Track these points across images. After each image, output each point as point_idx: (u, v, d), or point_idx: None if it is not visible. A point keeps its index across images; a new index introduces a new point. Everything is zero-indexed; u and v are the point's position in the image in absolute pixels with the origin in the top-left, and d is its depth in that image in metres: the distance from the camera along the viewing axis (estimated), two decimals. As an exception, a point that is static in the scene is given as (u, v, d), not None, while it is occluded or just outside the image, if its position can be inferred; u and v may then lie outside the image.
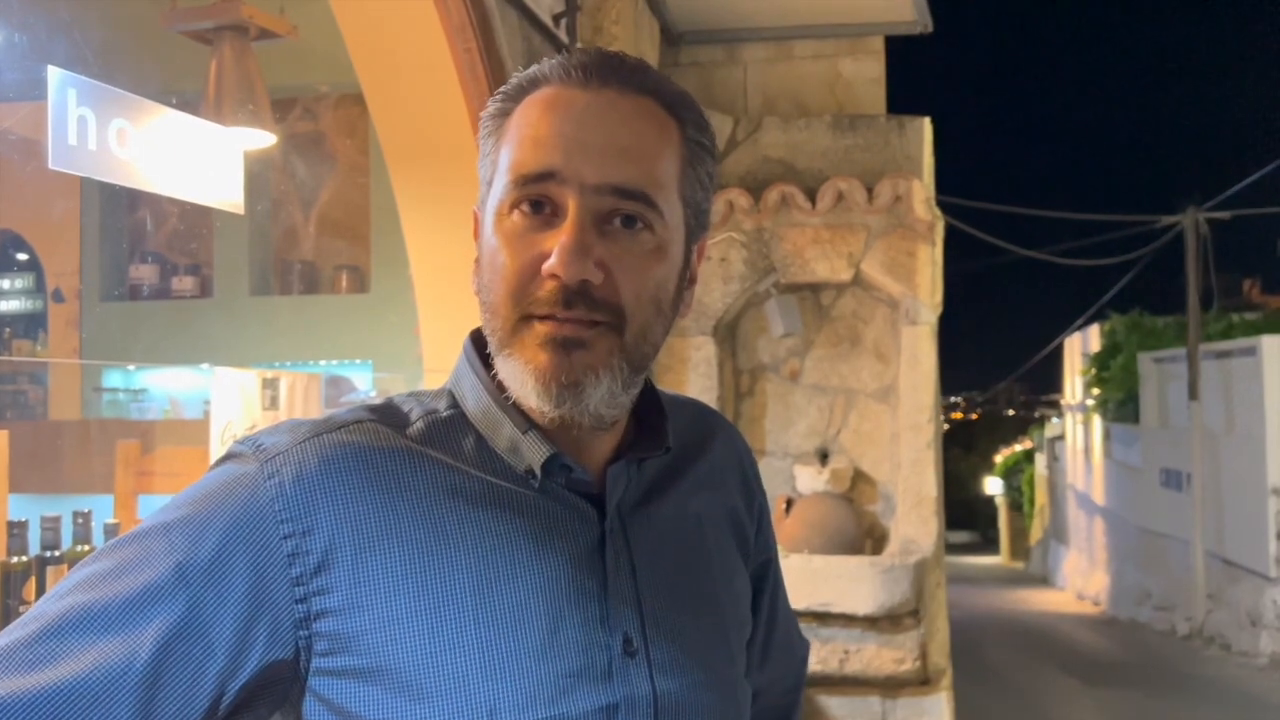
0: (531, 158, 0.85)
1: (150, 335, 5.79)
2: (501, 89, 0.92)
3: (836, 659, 3.94)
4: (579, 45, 3.69)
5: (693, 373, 4.26)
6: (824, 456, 4.40)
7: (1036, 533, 25.10)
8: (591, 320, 0.84)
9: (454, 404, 0.92)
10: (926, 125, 4.43)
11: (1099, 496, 17.56)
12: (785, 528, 4.24)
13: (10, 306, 6.55)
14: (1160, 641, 12.52)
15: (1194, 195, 14.82)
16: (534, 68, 0.91)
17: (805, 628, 3.93)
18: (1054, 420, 24.53)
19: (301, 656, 0.82)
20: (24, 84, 2.63)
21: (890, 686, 4.00)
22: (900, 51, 5.00)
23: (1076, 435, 19.96)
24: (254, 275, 5.90)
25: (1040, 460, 25.39)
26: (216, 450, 2.64)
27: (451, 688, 0.81)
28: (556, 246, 0.83)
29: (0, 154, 4.15)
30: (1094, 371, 16.87)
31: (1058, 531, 21.96)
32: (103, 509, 2.94)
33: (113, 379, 5.82)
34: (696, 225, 0.94)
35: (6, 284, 6.59)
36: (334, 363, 5.52)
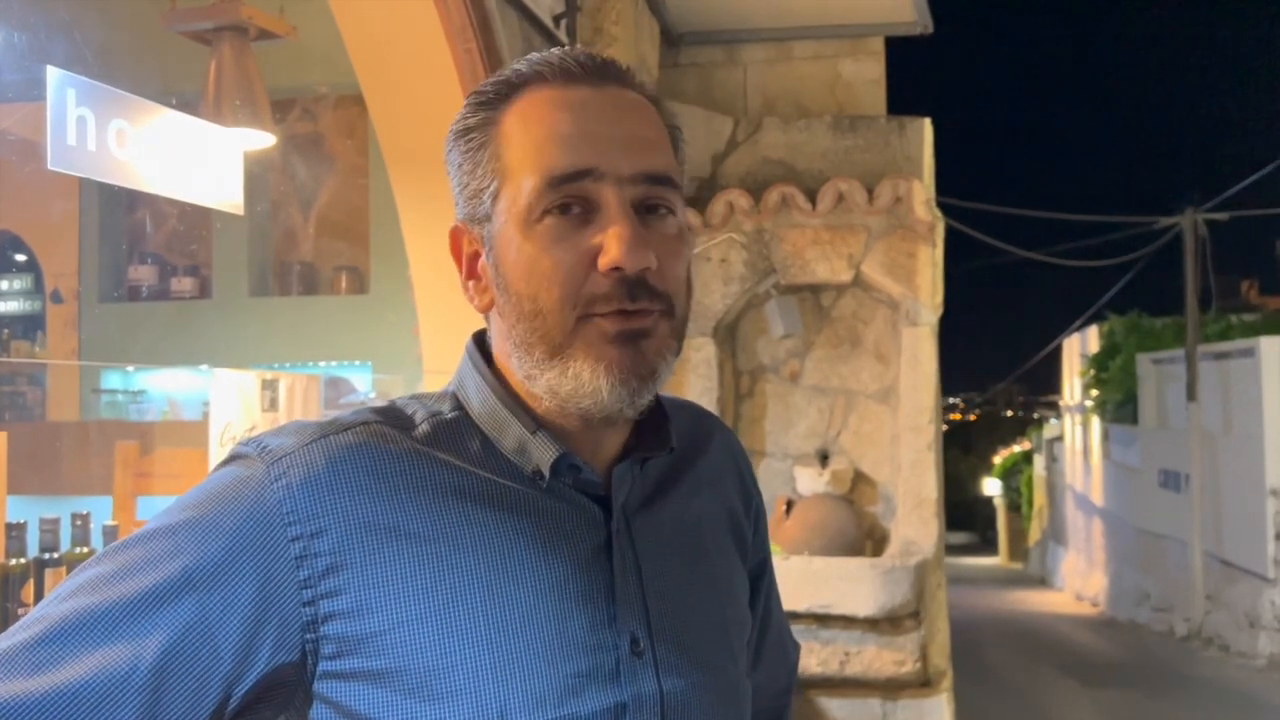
0: (563, 157, 0.85)
1: (149, 336, 5.78)
2: (474, 99, 0.91)
3: (837, 661, 3.94)
4: (578, 46, 3.69)
5: (692, 374, 4.25)
6: (824, 458, 4.39)
7: (1035, 534, 25.10)
8: (653, 309, 0.85)
9: (458, 406, 0.92)
10: (927, 126, 4.43)
11: (1097, 497, 17.56)
12: (786, 529, 4.23)
13: (9, 308, 6.54)
14: (1159, 642, 12.51)
15: (1192, 196, 14.80)
16: (511, 71, 0.90)
17: (806, 629, 3.94)
18: (1052, 421, 24.54)
19: (308, 660, 0.82)
20: (22, 85, 2.62)
21: (891, 688, 3.99)
22: (900, 52, 5.00)
23: (1075, 436, 19.96)
24: (253, 276, 5.89)
25: (1039, 461, 25.40)
26: (216, 451, 2.64)
27: (462, 689, 0.81)
28: (612, 239, 0.83)
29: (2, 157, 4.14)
30: (1093, 372, 16.88)
31: (1056, 532, 21.97)
32: (102, 511, 2.93)
33: (111, 380, 5.81)
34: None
35: (5, 285, 6.57)
36: (333, 364, 5.51)
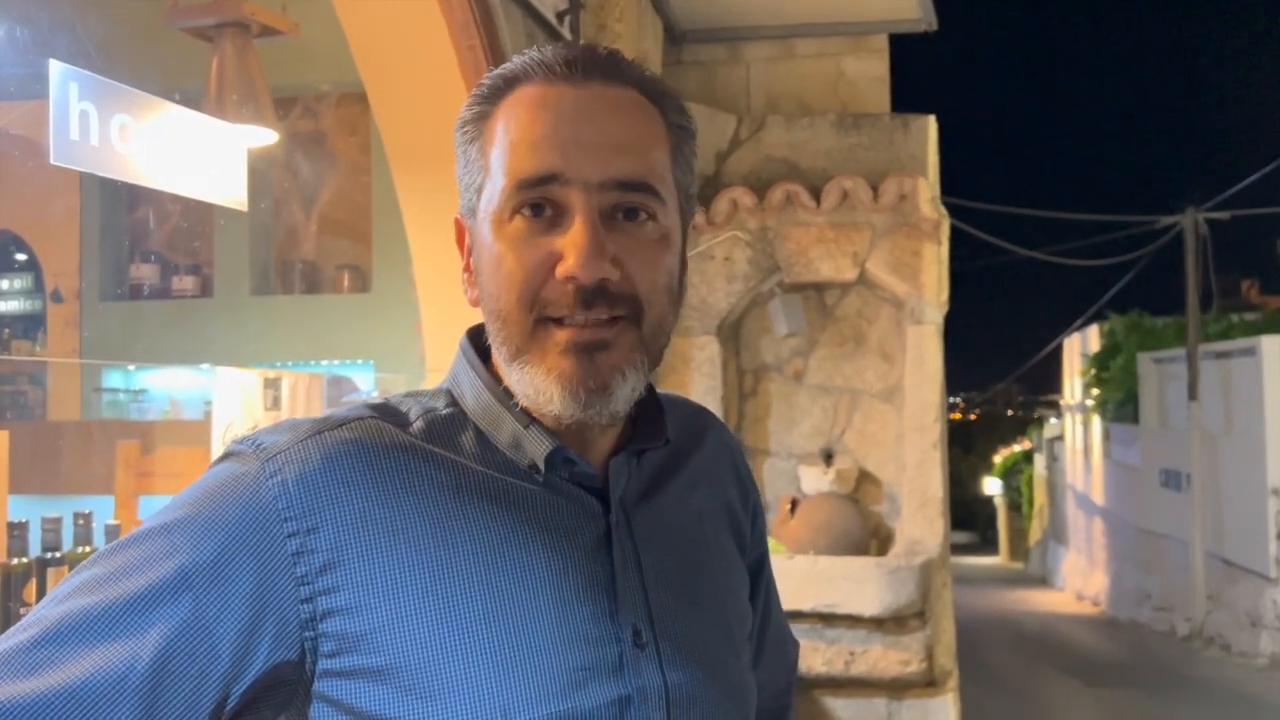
0: (530, 161, 0.84)
1: (151, 335, 5.77)
2: (476, 92, 0.90)
3: (842, 660, 3.92)
4: (582, 42, 3.67)
5: (696, 373, 4.24)
6: (828, 457, 4.38)
7: (1036, 533, 25.10)
8: (612, 317, 0.84)
9: (452, 402, 0.92)
10: (931, 124, 4.41)
11: (1098, 497, 17.56)
12: (790, 529, 4.22)
13: (9, 307, 6.53)
14: (1160, 642, 12.51)
15: (1193, 195, 14.82)
16: (507, 65, 0.89)
17: (811, 629, 3.92)
18: (1053, 420, 24.54)
19: (307, 658, 0.81)
20: (23, 82, 2.61)
21: (896, 688, 3.98)
22: (904, 50, 4.99)
23: (1076, 435, 19.97)
24: (255, 275, 5.88)
25: (1039, 460, 25.41)
26: (218, 451, 2.62)
27: (463, 685, 0.80)
28: (570, 248, 0.82)
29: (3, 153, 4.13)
30: (1093, 372, 16.88)
31: (1057, 532, 21.97)
32: (103, 510, 2.92)
33: (113, 379, 5.80)
34: (687, 210, 0.94)
35: (5, 284, 6.57)
36: (336, 362, 5.51)
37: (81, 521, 2.55)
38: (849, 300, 4.40)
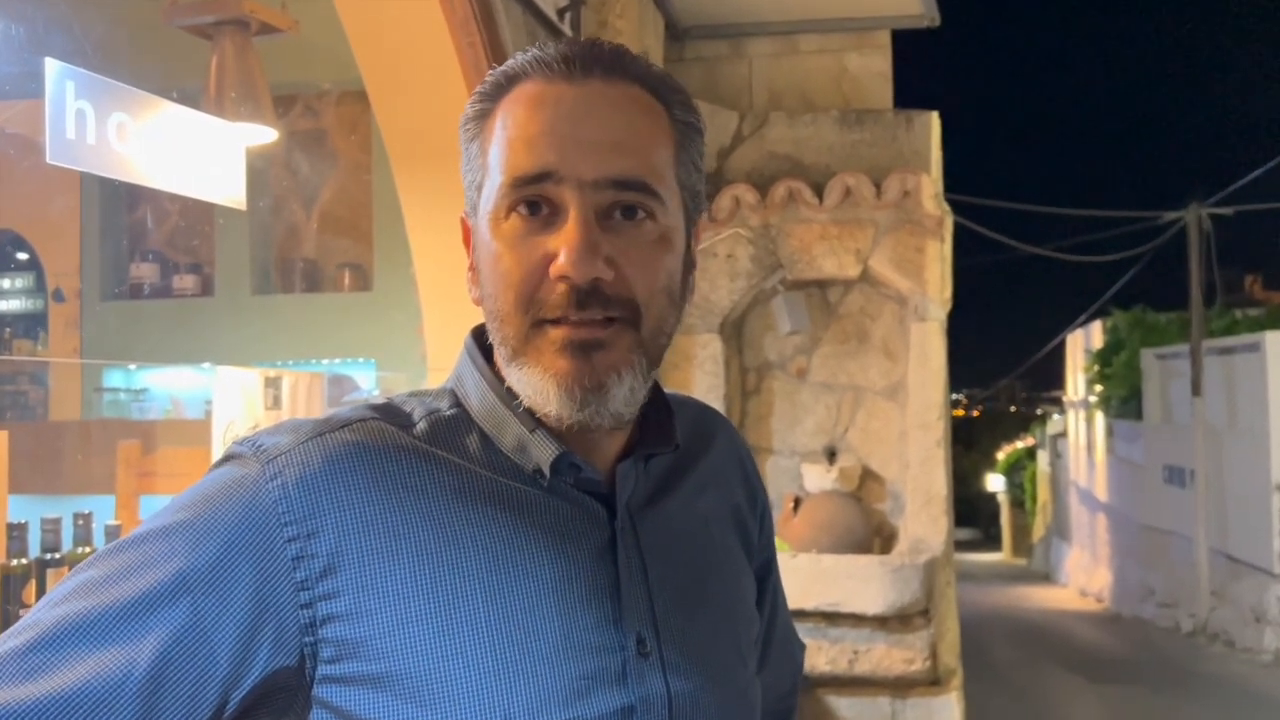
0: (525, 159, 0.84)
1: (151, 334, 5.77)
2: (478, 89, 0.90)
3: (846, 659, 3.91)
4: (587, 39, 3.66)
5: (698, 370, 4.22)
6: (832, 455, 4.36)
7: (1039, 530, 25.10)
8: (607, 318, 0.83)
9: (456, 403, 0.91)
10: (934, 120, 4.39)
11: (1102, 493, 17.55)
12: (793, 527, 4.21)
13: (11, 306, 6.52)
14: (1164, 638, 12.50)
15: (1197, 191, 14.78)
16: (509, 63, 0.88)
17: (815, 627, 3.91)
18: (1056, 417, 24.51)
19: (307, 664, 0.80)
20: (22, 80, 2.60)
21: (900, 687, 3.96)
22: (907, 46, 4.97)
23: (1079, 432, 19.95)
24: (256, 273, 5.88)
25: (1043, 457, 25.40)
26: (219, 451, 2.61)
27: (464, 693, 0.79)
28: (563, 247, 0.81)
29: (0, 152, 4.12)
30: (1097, 368, 16.86)
31: (1060, 528, 21.96)
32: (104, 510, 2.91)
33: (114, 379, 5.80)
34: (693, 208, 0.92)
35: (7, 283, 6.56)
36: (337, 361, 5.50)
37: (81, 522, 2.55)
38: (852, 297, 4.39)
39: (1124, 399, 15.87)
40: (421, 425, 0.87)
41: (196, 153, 2.19)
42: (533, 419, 0.86)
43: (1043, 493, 24.77)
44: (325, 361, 5.45)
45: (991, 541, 31.85)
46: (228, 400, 3.24)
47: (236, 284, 5.88)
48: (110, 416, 5.54)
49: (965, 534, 33.83)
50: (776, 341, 4.44)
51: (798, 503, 4.27)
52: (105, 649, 0.74)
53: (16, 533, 2.38)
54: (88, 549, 2.35)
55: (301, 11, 3.34)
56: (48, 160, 1.75)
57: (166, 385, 5.70)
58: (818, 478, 4.27)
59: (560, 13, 3.55)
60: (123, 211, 6.14)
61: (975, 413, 40.92)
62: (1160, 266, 15.95)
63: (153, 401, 5.60)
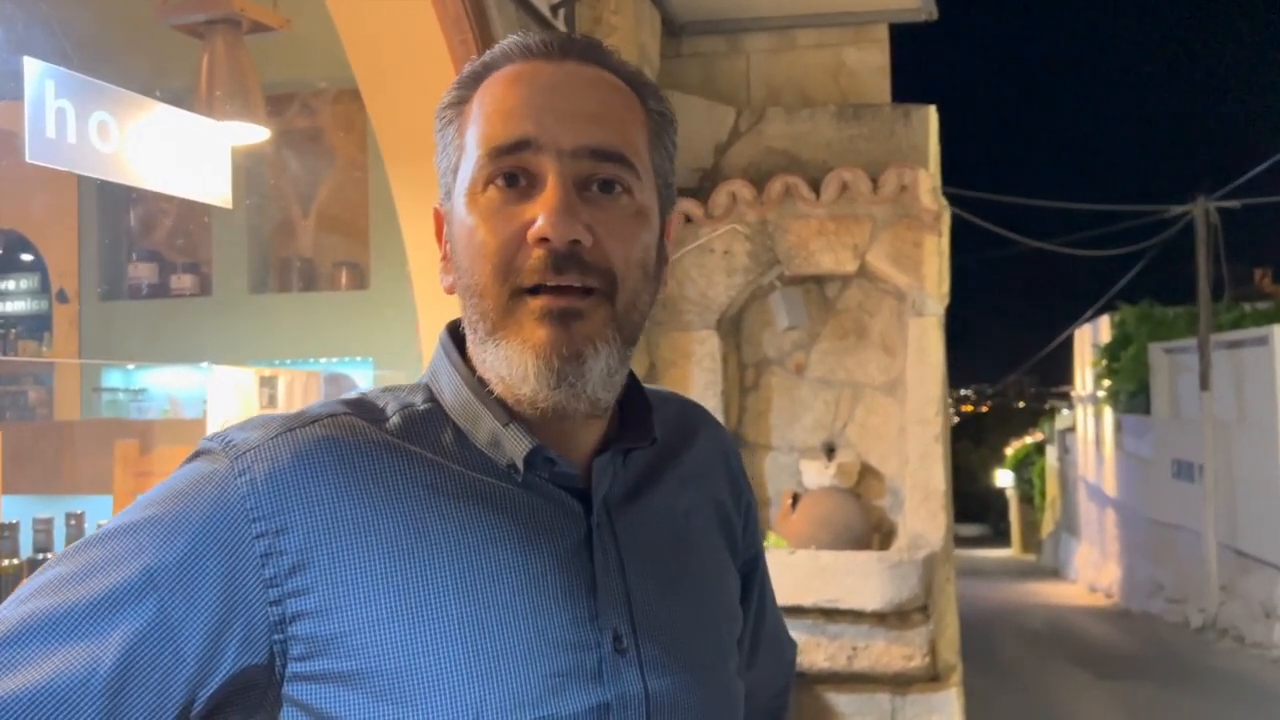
0: (503, 129, 0.84)
1: (149, 334, 5.78)
2: (457, 82, 0.90)
3: (845, 655, 3.90)
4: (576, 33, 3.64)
5: (696, 367, 4.21)
6: (830, 451, 4.34)
7: (1048, 525, 25.02)
8: (585, 287, 0.82)
9: (431, 397, 0.90)
10: (932, 114, 4.37)
11: (1110, 488, 17.48)
12: (792, 523, 4.19)
13: (15, 307, 6.54)
14: (1173, 634, 12.44)
15: (1203, 184, 14.69)
16: (486, 54, 0.89)
17: (813, 624, 3.90)
18: (1064, 412, 24.42)
19: (276, 661, 0.79)
20: (10, 79, 2.60)
21: (899, 683, 3.95)
22: (905, 40, 4.94)
23: (1087, 427, 19.88)
24: (253, 272, 5.89)
25: (1051, 452, 25.31)
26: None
27: (435, 690, 0.78)
28: (542, 211, 0.81)
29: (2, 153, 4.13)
30: (1104, 363, 16.79)
31: (1069, 524, 21.89)
32: (102, 510, 2.92)
33: (112, 379, 5.82)
34: (666, 198, 0.92)
35: (11, 284, 6.58)
36: (334, 360, 5.51)
37: (74, 522, 2.55)
38: (850, 293, 4.37)
39: (1132, 394, 15.80)
40: (395, 419, 0.87)
41: (181, 151, 2.18)
42: (507, 413, 0.85)
43: (1051, 488, 24.69)
44: (323, 360, 5.46)
45: (1000, 537, 31.76)
46: (222, 399, 3.24)
47: (234, 283, 5.89)
48: (109, 416, 5.56)
49: (974, 530, 33.77)
50: (774, 337, 4.42)
51: (796, 499, 4.25)
52: (70, 647, 0.74)
53: (8, 533, 2.39)
54: (78, 549, 2.35)
55: (296, 10, 3.34)
56: (27, 159, 1.75)
57: (165, 385, 5.71)
58: (816, 474, 4.26)
59: (554, 9, 3.53)
60: (121, 211, 6.15)
61: (984, 408, 40.83)
62: (1168, 260, 15.86)
63: (151, 401, 5.62)
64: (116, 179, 2.01)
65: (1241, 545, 11.85)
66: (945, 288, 4.19)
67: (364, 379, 5.06)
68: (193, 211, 5.54)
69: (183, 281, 5.88)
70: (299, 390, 3.57)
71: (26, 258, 6.52)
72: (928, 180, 4.12)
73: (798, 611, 3.87)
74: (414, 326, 3.57)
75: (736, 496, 1.05)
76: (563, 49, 0.87)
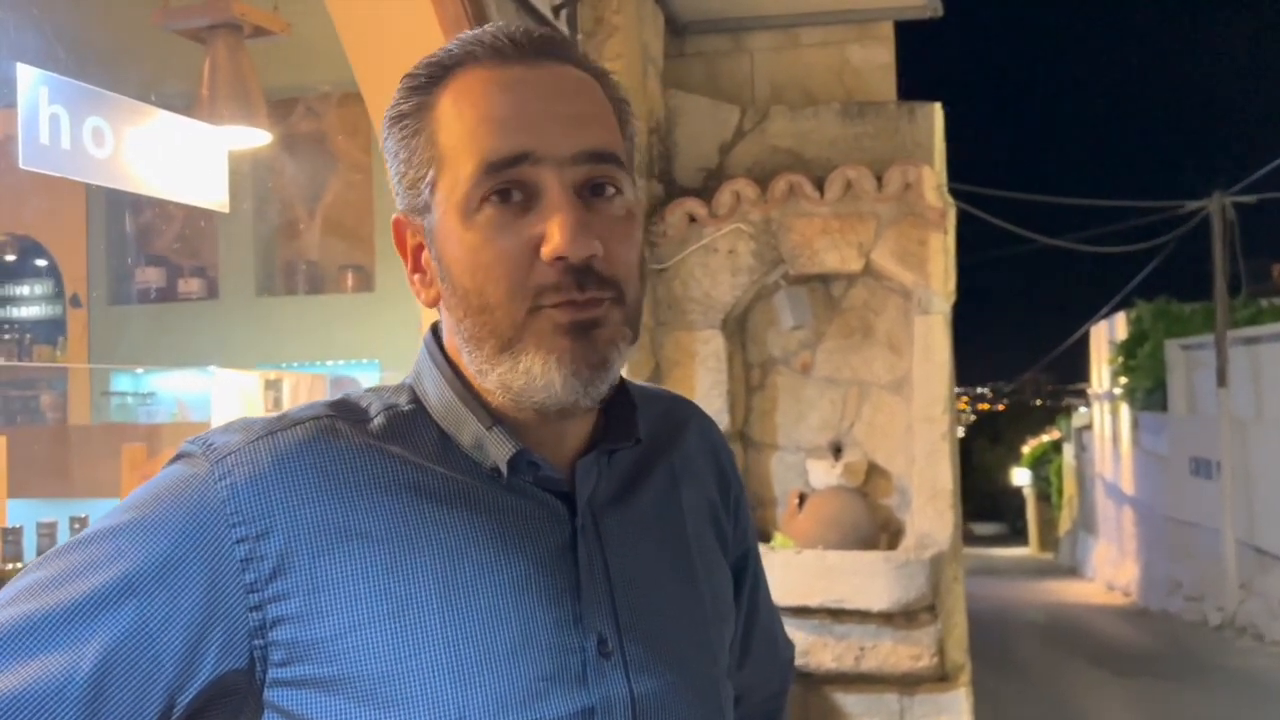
0: (499, 142, 0.82)
1: (157, 338, 5.82)
2: (408, 83, 0.87)
3: (852, 656, 3.88)
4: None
5: (701, 367, 4.20)
6: (837, 450, 4.32)
7: (1065, 523, 24.89)
8: (603, 297, 0.82)
9: (415, 399, 0.89)
10: (937, 111, 4.34)
11: (1128, 486, 17.38)
12: (798, 523, 4.18)
13: (30, 312, 6.59)
14: (1191, 632, 12.36)
15: (1220, 179, 14.62)
16: (441, 53, 0.86)
17: (820, 624, 3.88)
18: (1081, 410, 24.30)
19: (257, 667, 0.79)
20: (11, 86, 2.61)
21: (907, 683, 3.93)
22: (910, 37, 4.92)
23: (1104, 424, 19.77)
24: (259, 276, 5.92)
25: (1068, 450, 25.19)
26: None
27: (418, 695, 0.78)
28: (554, 227, 0.80)
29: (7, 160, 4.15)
30: (1121, 360, 16.71)
31: (1086, 522, 21.77)
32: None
33: (121, 382, 5.85)
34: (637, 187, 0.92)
35: (26, 290, 6.63)
36: (340, 362, 5.53)
37: (78, 526, 2.56)
38: (855, 291, 4.35)
39: (1149, 390, 15.71)
40: (378, 420, 0.86)
41: (177, 156, 2.19)
42: (490, 416, 0.85)
43: (1069, 486, 24.56)
44: (329, 363, 5.47)
45: (1018, 536, 31.61)
46: (226, 403, 3.25)
47: (241, 286, 5.92)
48: (118, 420, 5.59)
49: (991, 528, 33.64)
50: (780, 337, 4.41)
51: (803, 499, 4.23)
52: (48, 652, 0.74)
53: (11, 537, 2.40)
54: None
55: (299, 14, 3.35)
56: (20, 165, 1.75)
57: (173, 388, 5.74)
58: (823, 473, 4.24)
59: (555, 10, 3.53)
60: (128, 216, 6.18)
61: (1000, 406, 40.64)
62: (1184, 256, 15.77)
63: (159, 405, 5.65)
64: (111, 185, 2.02)
65: (1260, 542, 11.75)
66: (951, 285, 4.17)
67: (370, 381, 5.06)
68: (199, 216, 5.56)
69: (190, 285, 5.91)
70: (304, 393, 3.57)
71: (40, 263, 6.56)
72: (932, 178, 4.10)
73: (804, 612, 3.85)
74: (419, 329, 3.57)
75: (725, 492, 1.03)
76: (535, 49, 0.85)
